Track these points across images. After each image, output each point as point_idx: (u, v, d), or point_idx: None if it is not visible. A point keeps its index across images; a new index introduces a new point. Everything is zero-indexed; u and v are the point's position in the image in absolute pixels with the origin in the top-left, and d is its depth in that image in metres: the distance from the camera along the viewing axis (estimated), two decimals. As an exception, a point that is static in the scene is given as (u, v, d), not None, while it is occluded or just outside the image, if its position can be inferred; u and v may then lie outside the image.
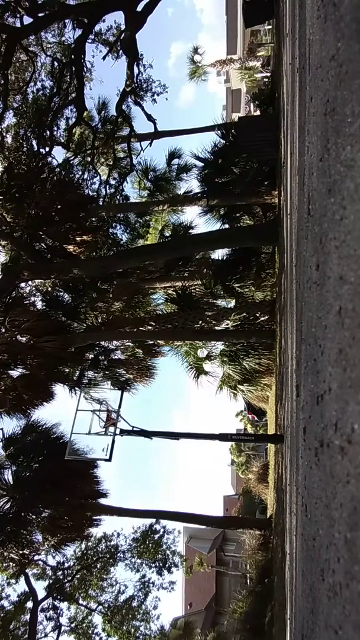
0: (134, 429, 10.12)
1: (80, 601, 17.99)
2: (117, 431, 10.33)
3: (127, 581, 19.09)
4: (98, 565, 18.52)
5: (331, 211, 1.01)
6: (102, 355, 13.55)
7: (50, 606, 17.05)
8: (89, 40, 15.51)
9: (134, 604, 18.56)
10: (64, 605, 17.59)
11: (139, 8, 13.21)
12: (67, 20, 14.67)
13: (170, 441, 10.92)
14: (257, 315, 12.64)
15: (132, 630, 18.29)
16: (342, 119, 0.92)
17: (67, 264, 11.37)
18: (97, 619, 18.33)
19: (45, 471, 11.52)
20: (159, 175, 16.06)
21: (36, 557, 14.18)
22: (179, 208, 15.80)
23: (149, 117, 16.89)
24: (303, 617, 1.50)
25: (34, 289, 14.22)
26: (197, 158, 13.40)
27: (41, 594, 16.24)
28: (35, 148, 14.64)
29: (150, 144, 17.49)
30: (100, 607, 18.22)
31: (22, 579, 15.20)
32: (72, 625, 17.82)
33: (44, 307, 12.89)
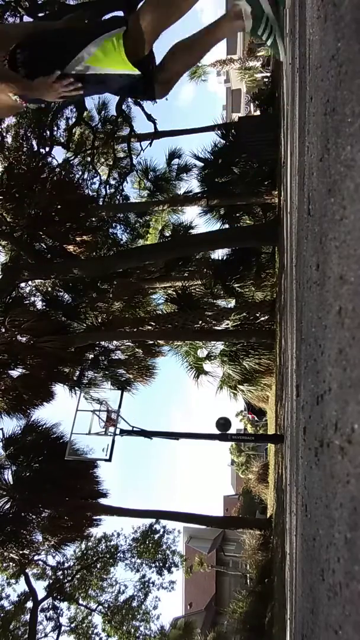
0: (134, 429, 10.13)
1: (80, 601, 17.98)
2: (117, 431, 10.35)
3: (127, 581, 19.13)
4: (98, 565, 18.51)
5: (331, 211, 1.01)
6: (102, 355, 13.55)
7: (50, 606, 17.05)
8: (89, 40, 15.48)
9: (134, 604, 18.56)
10: (64, 605, 17.59)
11: (139, 8, 13.20)
12: (67, 20, 14.65)
13: (170, 441, 10.93)
14: (257, 315, 12.65)
15: (132, 630, 18.28)
16: (342, 119, 0.92)
17: (67, 264, 11.37)
18: (97, 619, 18.34)
19: (45, 471, 11.52)
20: (159, 175, 16.07)
21: (36, 557, 14.18)
22: (179, 208, 15.80)
23: (149, 117, 16.87)
24: (303, 617, 1.50)
25: (34, 289, 14.20)
26: (197, 158, 13.42)
27: (41, 594, 16.24)
28: (35, 148, 14.63)
29: (150, 144, 17.46)
30: (100, 607, 18.22)
31: (22, 579, 15.20)
32: (72, 625, 17.82)
33: (44, 307, 12.89)
